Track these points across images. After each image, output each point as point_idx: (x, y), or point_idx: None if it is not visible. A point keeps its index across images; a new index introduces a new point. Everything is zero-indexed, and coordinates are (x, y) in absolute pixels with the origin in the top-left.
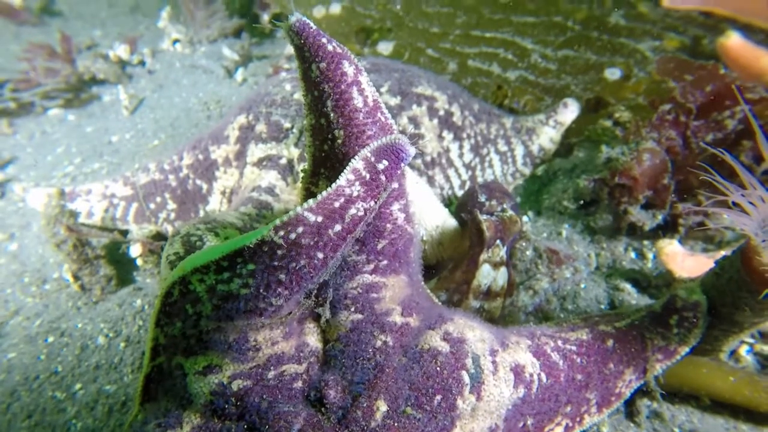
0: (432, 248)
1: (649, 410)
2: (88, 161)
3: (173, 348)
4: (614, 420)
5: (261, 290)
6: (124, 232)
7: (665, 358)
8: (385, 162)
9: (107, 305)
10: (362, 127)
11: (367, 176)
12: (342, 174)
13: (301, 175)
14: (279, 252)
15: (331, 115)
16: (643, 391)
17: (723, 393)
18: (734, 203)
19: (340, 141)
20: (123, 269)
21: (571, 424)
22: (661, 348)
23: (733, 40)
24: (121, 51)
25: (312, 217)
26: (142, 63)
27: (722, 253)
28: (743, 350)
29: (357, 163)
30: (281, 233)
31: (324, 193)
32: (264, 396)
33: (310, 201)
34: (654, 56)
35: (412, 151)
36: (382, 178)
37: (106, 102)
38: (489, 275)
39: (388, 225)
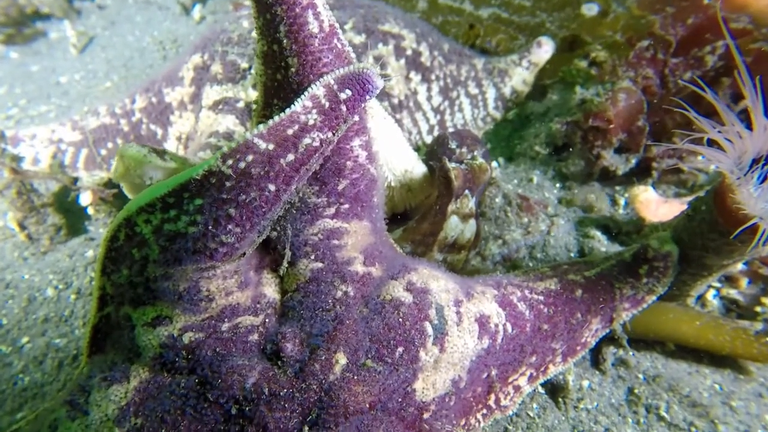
0: (400, 195)
1: (615, 357)
2: (34, 103)
3: (120, 297)
4: (580, 369)
5: (210, 227)
6: (74, 179)
7: (632, 307)
8: (349, 92)
9: (57, 256)
10: (317, 55)
11: (327, 105)
12: (298, 99)
13: (253, 107)
14: (227, 183)
15: (284, 41)
16: (609, 339)
17: (688, 338)
18: (710, 142)
19: (293, 69)
20: (73, 218)
21: (535, 374)
22: (629, 297)
23: None
24: None
25: (263, 144)
26: None
27: (696, 195)
28: (710, 294)
29: (317, 89)
30: (229, 162)
31: (276, 118)
32: (217, 349)
33: (260, 126)
34: None
35: (379, 83)
36: (343, 108)
37: (53, 39)
38: (457, 227)
39: (349, 162)
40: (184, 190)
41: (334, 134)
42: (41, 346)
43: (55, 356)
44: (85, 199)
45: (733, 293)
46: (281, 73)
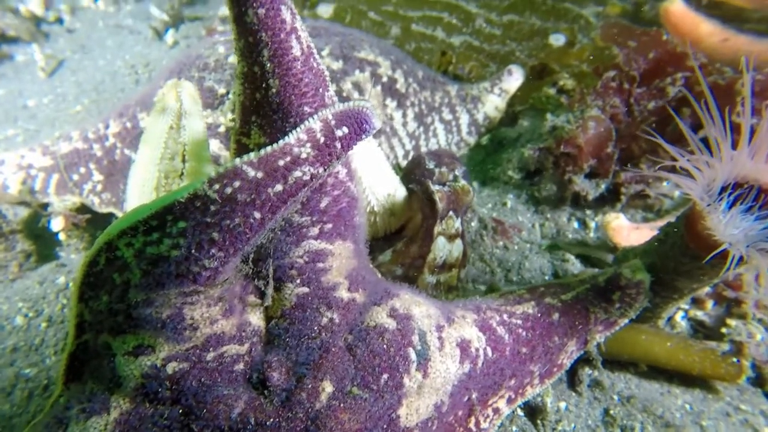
0: (383, 219)
1: (590, 379)
2: (1, 127)
3: (99, 325)
4: (557, 390)
5: (193, 251)
6: (44, 205)
7: (605, 330)
8: (346, 129)
9: (26, 283)
10: (300, 76)
11: (322, 140)
12: (293, 132)
13: (230, 125)
14: (212, 207)
15: (267, 64)
16: (585, 360)
17: (660, 358)
18: (679, 168)
19: (274, 90)
20: (43, 244)
21: (514, 396)
22: (603, 321)
23: (676, 6)
24: (34, 5)
25: (251, 172)
26: (59, 20)
27: (665, 221)
28: (678, 316)
29: (314, 123)
30: (216, 187)
31: (269, 148)
32: (202, 379)
33: (251, 154)
34: (597, 22)
35: (377, 123)
36: (338, 146)
37: (20, 62)
38: (444, 248)
39: (329, 179)
40: (167, 213)
41: (325, 170)
42: (9, 376)
43: (24, 387)
44: (57, 224)
45: (699, 315)
46: (261, 93)
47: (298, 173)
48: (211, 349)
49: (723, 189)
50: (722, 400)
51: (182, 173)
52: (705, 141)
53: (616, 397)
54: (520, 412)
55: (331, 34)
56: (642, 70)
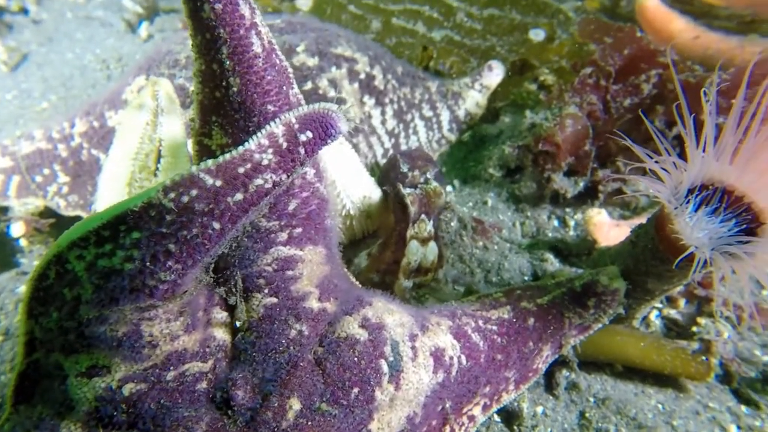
0: (359, 222)
1: (567, 381)
2: None
3: (50, 344)
4: (534, 394)
5: (147, 263)
6: (4, 209)
7: (579, 334)
8: (310, 134)
9: None
10: (262, 74)
11: (285, 145)
12: (254, 137)
13: (190, 125)
14: (168, 217)
15: (227, 62)
16: (562, 362)
17: (634, 359)
18: (648, 170)
19: (235, 89)
20: (2, 251)
21: (489, 403)
22: (577, 325)
23: (651, 2)
24: None
25: (209, 180)
26: (24, 11)
27: (643, 218)
28: (653, 315)
29: (276, 127)
30: (171, 195)
31: (227, 155)
32: (161, 401)
33: (209, 162)
34: (576, 17)
35: (344, 127)
36: (301, 151)
37: None
38: (418, 252)
39: (297, 180)
40: (120, 223)
41: (288, 177)
42: None
43: None
44: (17, 230)
45: (672, 313)
46: (221, 92)
47: (259, 181)
48: (171, 367)
49: (690, 191)
50: (692, 399)
51: (156, 171)
52: (680, 138)
53: (591, 399)
54: (496, 418)
55: (307, 29)
56: (618, 66)
